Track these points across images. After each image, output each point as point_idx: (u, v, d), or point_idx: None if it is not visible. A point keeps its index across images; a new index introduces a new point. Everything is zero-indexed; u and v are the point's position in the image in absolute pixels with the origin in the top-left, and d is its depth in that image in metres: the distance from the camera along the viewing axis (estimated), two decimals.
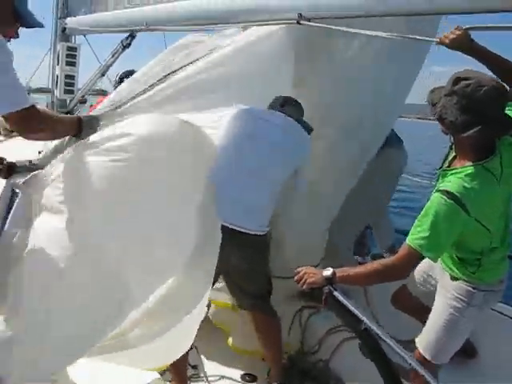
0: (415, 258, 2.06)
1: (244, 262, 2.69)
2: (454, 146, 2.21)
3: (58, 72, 5.19)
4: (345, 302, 1.98)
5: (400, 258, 2.09)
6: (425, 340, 2.36)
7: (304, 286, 2.19)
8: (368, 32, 2.15)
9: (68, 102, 5.18)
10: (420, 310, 2.62)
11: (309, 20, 2.20)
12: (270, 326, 2.91)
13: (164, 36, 5.05)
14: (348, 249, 3.59)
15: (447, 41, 2.05)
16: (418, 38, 2.13)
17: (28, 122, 1.74)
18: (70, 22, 5.11)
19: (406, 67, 3.06)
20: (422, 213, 2.07)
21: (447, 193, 2.01)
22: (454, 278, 2.32)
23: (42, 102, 5.76)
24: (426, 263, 2.54)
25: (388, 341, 1.80)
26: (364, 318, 1.88)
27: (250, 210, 2.64)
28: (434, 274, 2.55)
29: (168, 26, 3.28)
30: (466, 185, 2.01)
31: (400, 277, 2.21)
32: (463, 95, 1.99)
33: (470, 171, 2.05)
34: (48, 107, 5.28)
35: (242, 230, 2.58)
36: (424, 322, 2.44)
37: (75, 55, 5.24)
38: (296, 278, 2.24)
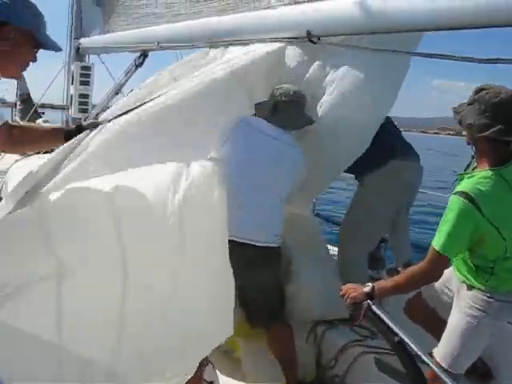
0: (442, 259, 2.20)
1: (257, 276, 2.69)
2: (474, 155, 2.34)
3: (72, 91, 5.29)
4: (382, 315, 2.20)
5: (428, 261, 2.24)
6: (442, 349, 2.37)
7: (347, 301, 2.38)
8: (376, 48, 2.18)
9: (82, 120, 5.25)
10: (434, 321, 2.63)
11: (318, 38, 2.23)
12: (287, 337, 2.92)
13: (176, 54, 5.13)
14: (361, 264, 3.55)
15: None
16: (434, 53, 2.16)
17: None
18: (84, 42, 5.22)
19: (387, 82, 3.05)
20: (443, 216, 2.21)
21: (462, 193, 2.15)
22: (469, 288, 2.36)
23: (54, 119, 5.90)
24: (444, 275, 2.59)
25: (420, 353, 2.00)
26: (399, 331, 2.09)
27: (259, 223, 2.67)
28: (451, 286, 2.56)
29: (179, 44, 3.33)
30: (479, 186, 2.16)
31: (433, 279, 2.35)
32: (482, 101, 2.16)
33: (484, 174, 2.20)
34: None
35: (254, 244, 2.60)
36: (435, 334, 2.50)
37: (89, 74, 5.34)
38: (340, 293, 2.43)
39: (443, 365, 2.33)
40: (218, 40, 2.97)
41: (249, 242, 2.59)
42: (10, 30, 1.81)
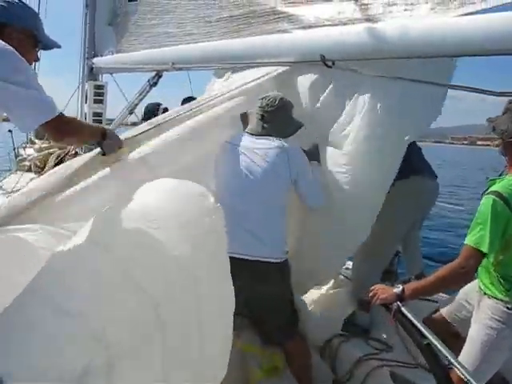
0: (476, 255, 2.25)
1: (264, 292, 2.69)
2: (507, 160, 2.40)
3: (86, 110, 5.38)
4: (411, 318, 2.22)
5: (463, 258, 2.27)
6: (462, 361, 2.30)
7: (377, 302, 2.42)
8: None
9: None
10: (453, 337, 2.63)
11: (333, 62, 2.29)
12: (303, 350, 2.95)
13: (188, 75, 5.20)
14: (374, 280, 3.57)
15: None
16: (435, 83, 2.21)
17: (59, 129, 1.88)
18: (98, 61, 5.32)
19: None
20: (475, 218, 2.29)
21: (494, 192, 2.24)
22: (490, 297, 2.39)
23: None
24: (462, 290, 2.67)
25: (448, 355, 2.01)
26: (428, 334, 2.11)
27: (260, 238, 2.66)
28: (471, 300, 2.59)
29: (194, 65, 3.41)
30: (509, 186, 2.25)
31: (469, 276, 2.34)
32: None
33: None
34: None
35: (256, 259, 2.61)
36: (454, 350, 2.46)
37: (102, 93, 5.42)
38: (370, 294, 2.47)
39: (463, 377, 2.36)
40: (231, 62, 3.05)
41: (261, 259, 2.61)
42: (12, 30, 1.91)
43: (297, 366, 2.94)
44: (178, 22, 4.10)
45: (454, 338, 2.61)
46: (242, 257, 2.55)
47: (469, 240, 2.27)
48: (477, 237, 2.24)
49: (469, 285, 2.60)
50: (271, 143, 2.73)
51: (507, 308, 2.31)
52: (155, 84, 4.26)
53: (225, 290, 1.81)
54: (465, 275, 2.31)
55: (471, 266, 2.27)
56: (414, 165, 3.42)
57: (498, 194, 2.23)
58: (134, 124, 5.81)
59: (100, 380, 1.38)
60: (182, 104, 5.09)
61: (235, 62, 3.09)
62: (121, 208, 1.79)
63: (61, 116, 1.86)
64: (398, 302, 2.31)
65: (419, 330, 2.16)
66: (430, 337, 2.10)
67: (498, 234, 2.23)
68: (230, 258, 2.39)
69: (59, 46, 2.18)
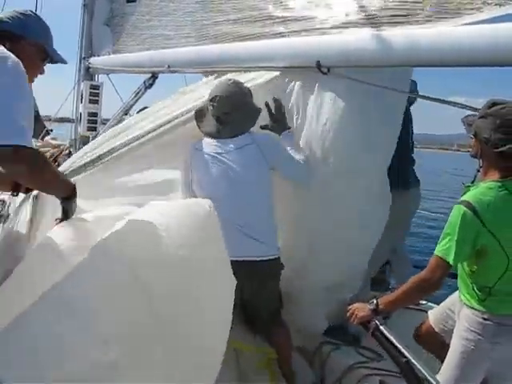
0: (443, 266, 2.23)
1: (267, 290, 2.80)
2: (481, 166, 2.36)
3: (81, 109, 5.35)
4: (389, 336, 2.24)
5: (429, 269, 2.27)
6: (443, 374, 2.38)
7: (355, 321, 2.44)
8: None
9: (90, 138, 5.31)
10: (440, 347, 2.62)
11: (328, 69, 2.29)
12: (286, 336, 3.00)
13: (185, 77, 5.19)
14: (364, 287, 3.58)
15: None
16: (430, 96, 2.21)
17: (28, 162, 1.64)
18: (94, 61, 5.29)
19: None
20: (445, 226, 2.25)
21: (464, 201, 2.20)
22: (468, 307, 2.37)
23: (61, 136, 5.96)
24: (449, 299, 2.62)
25: (427, 374, 2.01)
26: (406, 352, 2.12)
27: (254, 237, 2.68)
28: (455, 310, 2.57)
29: (189, 68, 3.40)
30: (482, 196, 2.20)
31: (434, 287, 2.31)
32: (497, 115, 2.19)
33: (488, 185, 2.23)
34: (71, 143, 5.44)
35: (251, 259, 2.65)
36: (442, 360, 2.47)
37: (98, 93, 5.39)
38: (348, 314, 2.49)
39: None
40: (227, 66, 3.04)
41: (257, 259, 2.66)
42: (26, 43, 1.93)
43: (279, 350, 3.01)
44: (176, 25, 4.09)
45: (441, 348, 2.59)
46: (237, 259, 2.53)
47: (437, 250, 2.25)
48: (445, 248, 2.22)
49: (455, 293, 2.59)
50: (239, 142, 2.72)
51: (483, 319, 2.28)
52: (151, 86, 4.24)
53: (225, 286, 1.87)
54: (431, 286, 2.30)
55: (437, 277, 2.25)
56: (409, 177, 3.52)
57: (467, 203, 2.18)
58: None
59: (106, 377, 1.42)
60: None
61: (231, 65, 3.08)
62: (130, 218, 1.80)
63: (37, 151, 1.74)
64: (376, 321, 2.32)
65: (398, 349, 2.17)
66: (409, 355, 2.11)
67: (466, 244, 2.19)
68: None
69: (66, 62, 2.19)
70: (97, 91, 5.38)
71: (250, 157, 2.71)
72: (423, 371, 2.03)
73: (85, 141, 5.32)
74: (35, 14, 2.06)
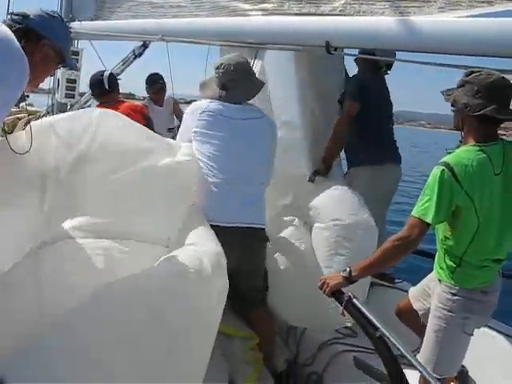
0: (420, 226, 2.22)
1: (254, 258, 2.86)
2: (462, 133, 2.39)
3: (59, 75, 5.20)
4: (363, 309, 2.15)
5: (407, 228, 2.25)
6: (423, 355, 2.40)
7: (327, 291, 2.34)
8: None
9: (68, 106, 5.18)
10: (420, 325, 2.65)
11: (335, 49, 2.33)
12: (268, 318, 3.08)
13: (167, 47, 5.12)
14: None
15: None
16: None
17: None
18: (75, 26, 5.14)
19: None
20: (424, 187, 2.26)
21: (441, 163, 2.22)
22: (439, 282, 2.41)
23: (39, 102, 5.78)
24: (428, 277, 2.68)
25: (401, 348, 1.94)
26: (380, 326, 2.04)
27: (253, 207, 2.80)
28: (431, 287, 2.60)
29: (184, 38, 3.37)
30: (459, 158, 2.23)
31: (410, 247, 2.29)
32: (475, 82, 2.23)
33: (467, 149, 2.27)
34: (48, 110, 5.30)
35: (255, 226, 2.75)
36: (422, 337, 2.50)
37: (77, 59, 5.26)
38: (319, 285, 2.40)
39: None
40: (225, 40, 3.03)
41: (248, 226, 2.73)
42: (44, 44, 1.89)
43: (262, 333, 3.03)
44: None
45: (423, 326, 2.58)
46: (237, 225, 2.69)
47: (414, 211, 2.24)
48: (423, 208, 2.22)
49: (433, 272, 2.60)
50: (254, 113, 2.89)
51: (451, 294, 2.32)
52: (140, 54, 4.17)
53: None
54: (408, 245, 2.27)
55: (415, 236, 2.22)
56: (390, 152, 3.62)
57: (445, 163, 2.21)
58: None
59: None
60: (149, 83, 5.12)
61: (227, 39, 3.07)
62: None
63: None
64: (350, 293, 2.25)
65: (371, 322, 2.11)
66: (383, 328, 2.05)
67: (444, 204, 2.20)
68: (224, 227, 2.58)
69: (78, 69, 2.19)
70: (76, 57, 5.23)
71: (262, 129, 2.88)
72: (398, 345, 1.98)
73: (62, 108, 5.19)
74: (60, 16, 2.05)
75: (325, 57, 2.65)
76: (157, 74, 5.42)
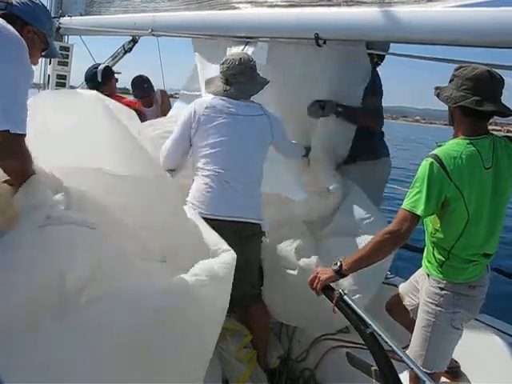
0: (410, 218, 2.19)
1: (248, 252, 2.82)
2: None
3: (49, 71, 5.17)
4: (353, 305, 2.12)
5: (397, 221, 2.22)
6: (412, 351, 2.39)
7: (318, 286, 2.32)
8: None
9: None
10: (410, 320, 2.62)
11: (324, 42, 2.31)
12: (264, 314, 3.04)
13: (158, 41, 5.06)
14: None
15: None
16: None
17: (12, 148, 1.66)
18: (65, 22, 5.11)
19: None
20: (414, 179, 2.24)
21: (431, 155, 2.21)
22: (427, 276, 2.40)
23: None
24: (417, 272, 2.65)
25: (392, 344, 1.93)
26: (371, 323, 2.02)
27: (248, 202, 2.81)
28: (420, 282, 2.58)
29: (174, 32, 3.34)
30: (448, 150, 2.22)
31: (402, 239, 2.25)
32: (460, 76, 2.24)
33: (456, 141, 2.26)
34: None
35: (249, 221, 2.76)
36: (412, 332, 2.49)
37: (68, 55, 5.23)
38: (309, 280, 2.38)
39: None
40: (217, 34, 3.01)
41: (245, 220, 2.74)
42: (30, 30, 1.93)
43: (257, 329, 3.02)
44: None
45: (413, 321, 2.56)
46: (231, 219, 2.70)
47: (404, 204, 2.22)
48: (412, 200, 2.20)
49: (421, 267, 2.58)
50: (252, 110, 2.89)
51: (440, 289, 2.32)
52: (130, 49, 4.14)
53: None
54: (398, 238, 2.23)
55: (405, 229, 2.20)
56: (377, 147, 3.62)
57: (434, 156, 2.21)
58: None
59: None
60: (135, 85, 5.00)
61: (217, 33, 3.05)
62: None
63: (23, 136, 1.66)
64: (340, 290, 2.22)
65: (362, 319, 2.09)
66: (374, 325, 2.03)
67: (434, 196, 2.19)
68: (222, 221, 2.62)
69: (57, 55, 2.20)
70: (67, 53, 5.21)
71: (261, 127, 2.88)
72: (389, 342, 1.96)
73: None
74: (42, 3, 2.08)
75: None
76: (140, 76, 4.87)
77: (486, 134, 2.31)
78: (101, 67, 4.10)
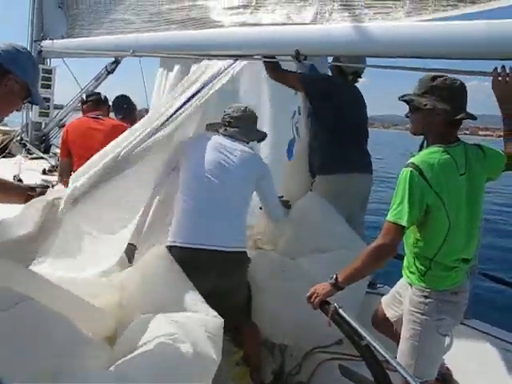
0: (396, 230, 2.23)
1: (231, 280, 2.81)
2: (426, 139, 2.43)
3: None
4: (348, 318, 2.17)
5: (383, 235, 2.25)
6: (401, 362, 2.29)
7: (317, 300, 2.35)
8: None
9: (43, 124, 5.15)
10: (394, 332, 2.63)
11: (305, 58, 2.34)
12: (256, 334, 3.04)
13: (140, 62, 5.10)
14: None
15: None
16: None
17: None
18: (47, 44, 5.12)
19: None
20: (395, 191, 2.28)
21: (409, 164, 2.25)
22: (410, 286, 2.42)
23: (11, 121, 5.73)
24: (398, 283, 2.68)
25: (386, 355, 1.96)
26: (365, 335, 2.06)
27: (227, 231, 2.79)
28: (402, 293, 2.60)
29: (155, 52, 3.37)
30: (426, 159, 2.26)
31: (390, 252, 2.29)
32: (443, 87, 2.28)
33: (432, 150, 2.31)
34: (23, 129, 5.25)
35: (225, 250, 2.71)
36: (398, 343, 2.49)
37: (50, 77, 5.24)
38: (309, 293, 2.40)
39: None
40: (196, 52, 3.03)
41: (220, 249, 2.71)
42: (10, 78, 1.86)
43: (249, 349, 3.03)
44: (136, 10, 4.02)
45: (396, 334, 2.57)
46: (216, 248, 2.69)
47: (389, 216, 2.25)
48: (396, 212, 2.23)
49: (402, 278, 2.60)
50: (244, 148, 2.96)
51: (424, 297, 2.33)
52: (113, 70, 4.16)
53: None
54: (387, 251, 2.27)
55: (393, 241, 2.24)
56: (350, 161, 3.63)
57: (412, 165, 2.23)
58: None
59: None
60: (116, 103, 4.99)
61: (199, 52, 3.07)
62: None
63: None
64: (336, 304, 2.27)
65: (357, 331, 2.13)
66: (368, 338, 2.08)
67: (416, 204, 2.22)
68: (206, 250, 2.64)
69: (44, 106, 2.21)
70: (49, 75, 5.23)
71: (248, 163, 2.93)
72: (384, 354, 2.00)
73: (36, 127, 5.16)
74: (28, 51, 2.02)
75: None
76: (119, 97, 4.74)
77: (457, 141, 2.37)
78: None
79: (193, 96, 2.81)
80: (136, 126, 2.75)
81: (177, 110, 2.72)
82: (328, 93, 3.55)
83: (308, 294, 2.42)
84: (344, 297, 2.37)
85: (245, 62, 2.86)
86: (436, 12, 2.05)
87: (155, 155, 2.76)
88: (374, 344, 2.04)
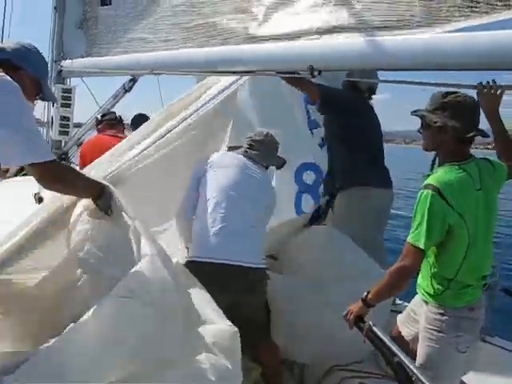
0: (416, 252, 2.26)
1: (254, 297, 2.88)
2: (437, 156, 2.45)
3: (53, 113, 5.25)
4: (382, 336, 2.26)
5: (404, 256, 2.30)
6: None
7: (352, 317, 2.42)
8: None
9: (63, 143, 5.21)
10: (411, 350, 2.61)
11: (319, 73, 2.35)
12: (276, 351, 3.04)
13: (158, 80, 5.16)
14: None
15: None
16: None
17: (46, 176, 1.92)
18: (67, 64, 5.20)
19: None
20: (413, 212, 2.30)
21: (428, 185, 2.25)
22: (425, 303, 2.44)
23: None
24: (412, 301, 2.70)
25: (417, 372, 2.03)
26: (398, 352, 2.15)
27: (252, 248, 2.85)
28: (417, 311, 2.61)
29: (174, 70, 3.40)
30: (443, 178, 2.27)
31: (411, 274, 2.36)
32: (456, 104, 2.31)
33: (447, 169, 2.32)
34: None
35: (252, 266, 2.78)
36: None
37: (70, 97, 5.30)
38: (343, 314, 2.48)
39: None
40: (215, 70, 3.06)
41: (250, 266, 2.77)
42: (22, 75, 1.97)
43: (269, 366, 3.03)
44: (155, 28, 4.07)
45: (412, 351, 2.57)
46: (242, 264, 2.75)
47: (409, 237, 2.28)
48: (415, 234, 2.26)
49: (417, 296, 2.63)
50: (263, 172, 3.15)
51: (440, 314, 2.34)
52: (130, 89, 4.22)
53: None
54: (409, 272, 2.33)
55: (412, 264, 2.28)
56: (369, 175, 3.62)
57: (431, 186, 2.24)
58: None
59: None
60: (135, 122, 5.06)
61: (214, 69, 3.10)
62: None
63: (52, 162, 1.90)
64: (370, 322, 2.33)
65: (390, 349, 2.21)
66: (401, 355, 2.14)
67: (436, 227, 2.23)
68: (232, 265, 2.70)
69: (55, 100, 2.31)
70: (69, 95, 5.29)
71: (265, 193, 3.10)
72: (415, 371, 2.06)
73: (57, 145, 5.23)
74: (37, 49, 2.11)
75: None
76: (139, 115, 4.95)
77: (470, 158, 2.37)
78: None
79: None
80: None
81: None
82: (347, 106, 3.57)
83: (344, 312, 2.49)
84: (371, 314, 2.42)
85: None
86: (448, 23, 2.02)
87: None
88: (406, 361, 2.11)
